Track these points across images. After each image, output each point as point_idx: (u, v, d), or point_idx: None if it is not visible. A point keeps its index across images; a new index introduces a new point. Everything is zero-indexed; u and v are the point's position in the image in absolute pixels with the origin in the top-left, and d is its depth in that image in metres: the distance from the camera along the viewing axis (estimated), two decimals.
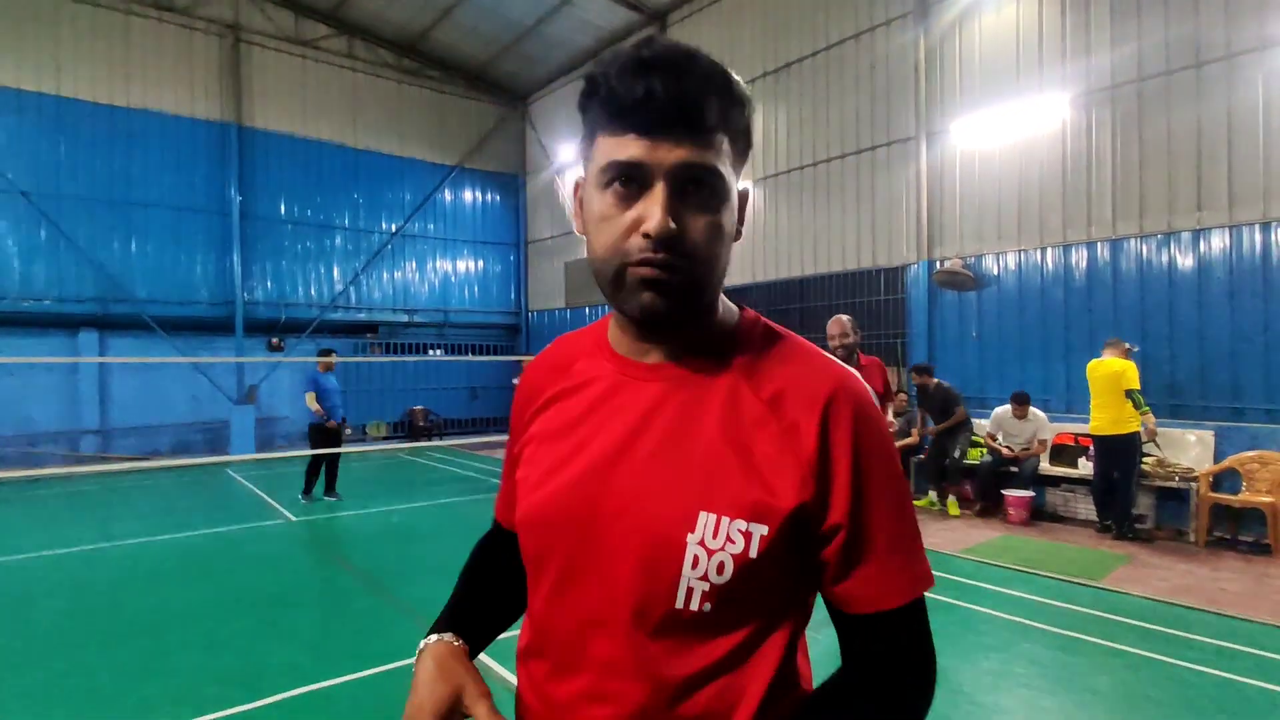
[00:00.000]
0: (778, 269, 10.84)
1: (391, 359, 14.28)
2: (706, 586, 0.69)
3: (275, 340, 13.59)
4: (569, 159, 15.31)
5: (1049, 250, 7.85)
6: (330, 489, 8.35)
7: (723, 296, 0.81)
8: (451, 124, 15.90)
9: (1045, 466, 7.18)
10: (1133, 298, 7.19)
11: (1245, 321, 6.48)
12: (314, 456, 8.21)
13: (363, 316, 14.71)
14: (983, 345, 8.41)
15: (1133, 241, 7.20)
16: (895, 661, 0.73)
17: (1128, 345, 6.36)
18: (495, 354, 16.61)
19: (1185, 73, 6.81)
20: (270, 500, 8.40)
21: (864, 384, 0.76)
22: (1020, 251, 8.09)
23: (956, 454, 7.44)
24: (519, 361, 12.35)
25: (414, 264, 15.46)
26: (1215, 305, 6.65)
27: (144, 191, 12.19)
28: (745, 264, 11.31)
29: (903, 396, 8.51)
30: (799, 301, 10.47)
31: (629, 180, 0.69)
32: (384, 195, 14.93)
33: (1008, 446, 7.23)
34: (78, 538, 6.55)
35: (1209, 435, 6.50)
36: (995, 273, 8.33)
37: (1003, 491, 7.03)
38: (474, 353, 16.24)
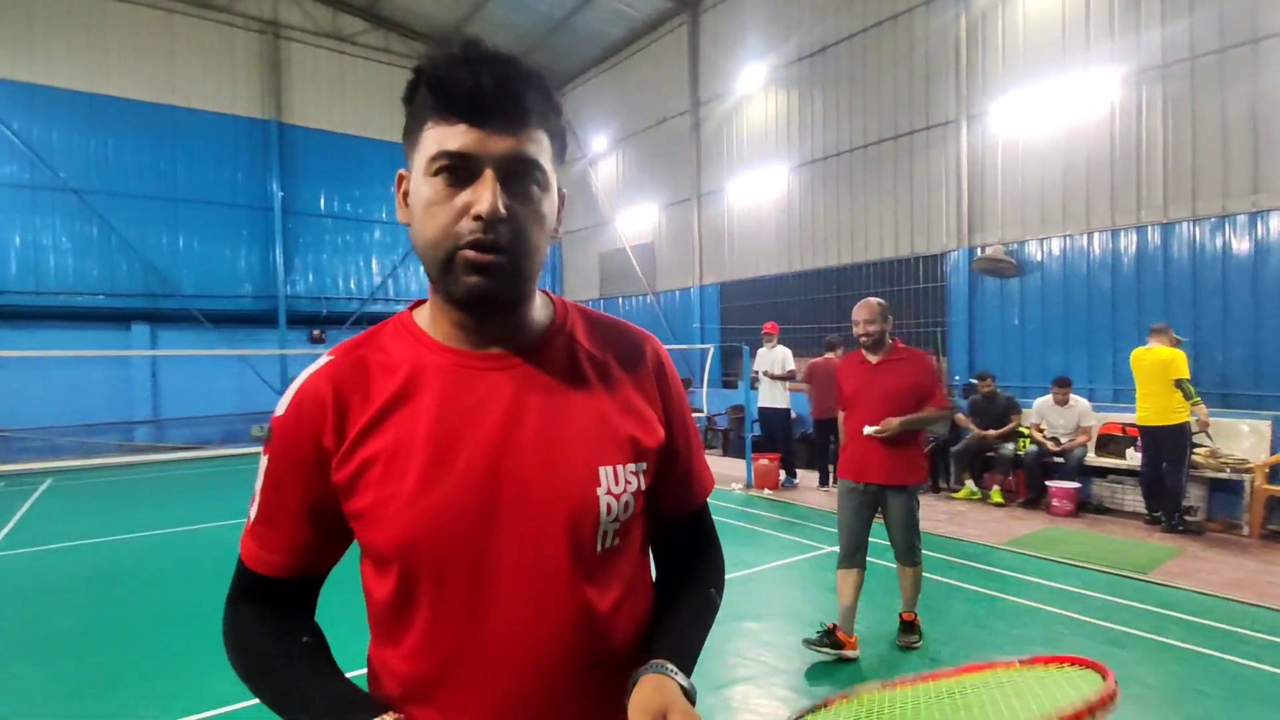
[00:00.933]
0: (814, 258, 10.73)
1: None
2: (617, 525, 0.80)
3: (317, 332, 13.91)
4: (601, 149, 15.32)
5: (1095, 235, 7.63)
6: None
7: (539, 292, 0.87)
8: None
9: (1092, 457, 7.02)
10: (1184, 283, 6.97)
11: None
12: None
13: (400, 308, 14.90)
14: (1025, 333, 8.24)
15: (1185, 225, 6.97)
16: (710, 540, 0.97)
17: (1174, 334, 6.13)
18: None
19: (1241, 49, 6.55)
20: None
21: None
22: (1065, 237, 7.89)
23: (1008, 448, 7.33)
24: None
25: None
26: (1272, 291, 6.42)
27: (189, 188, 12.56)
28: (781, 254, 11.22)
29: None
30: (835, 291, 10.36)
31: (458, 168, 0.73)
32: None
33: (1053, 439, 7.08)
34: (132, 524, 6.82)
35: (1264, 425, 6.28)
36: (1038, 259, 8.14)
37: (1047, 483, 6.89)
38: None
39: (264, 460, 0.83)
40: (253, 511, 0.83)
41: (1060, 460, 6.95)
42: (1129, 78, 7.30)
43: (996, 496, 7.29)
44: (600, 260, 15.79)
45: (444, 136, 0.73)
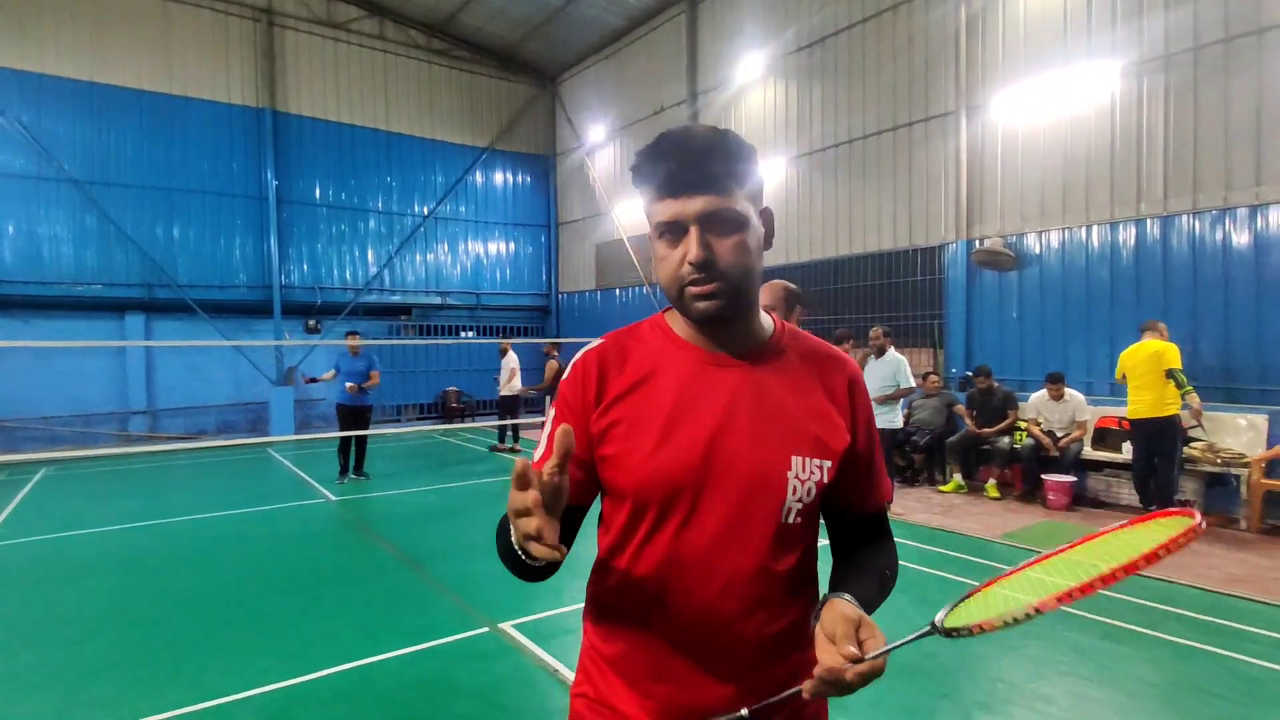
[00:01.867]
0: (811, 250, 10.68)
1: (424, 341, 14.44)
2: (800, 505, 1.02)
3: (312, 323, 13.84)
4: (599, 139, 15.21)
5: (1095, 228, 7.59)
6: (359, 469, 8.54)
7: (763, 312, 1.10)
8: (482, 105, 15.90)
9: (1088, 451, 7.01)
10: (1184, 277, 6.93)
11: None
12: (342, 438, 8.40)
13: (396, 299, 14.89)
14: (1023, 327, 8.21)
15: (1185, 218, 6.93)
16: (887, 535, 1.15)
17: (1165, 330, 6.12)
18: (526, 335, 16.72)
19: (1245, 39, 6.49)
20: (310, 480, 8.60)
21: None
22: (1064, 230, 7.84)
23: (1004, 441, 7.31)
24: (554, 344, 12.38)
25: (446, 246, 15.57)
26: (1273, 284, 6.38)
27: (184, 178, 12.45)
28: (779, 245, 11.16)
29: (934, 378, 8.36)
30: (833, 283, 10.32)
31: (673, 230, 0.98)
32: (416, 178, 15.03)
33: (1049, 433, 7.07)
34: (129, 514, 6.79)
35: (1262, 420, 6.27)
36: (1037, 252, 8.09)
37: (1043, 476, 6.88)
38: (505, 334, 16.36)
39: (551, 411, 1.10)
40: (539, 450, 1.05)
41: (1056, 454, 6.94)
42: (1130, 68, 7.23)
43: (992, 490, 7.28)
44: (597, 251, 15.71)
45: (657, 210, 0.98)
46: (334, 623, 4.07)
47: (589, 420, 1.04)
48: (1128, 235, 7.33)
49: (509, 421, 10.91)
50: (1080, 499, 6.91)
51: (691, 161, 0.94)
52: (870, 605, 0.96)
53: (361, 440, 8.60)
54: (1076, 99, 7.66)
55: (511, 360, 11.04)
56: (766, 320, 1.10)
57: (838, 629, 0.85)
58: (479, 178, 16.00)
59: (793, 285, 3.00)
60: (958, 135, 8.71)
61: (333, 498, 7.58)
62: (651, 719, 1.03)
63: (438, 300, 15.45)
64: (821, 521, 1.14)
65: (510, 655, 3.63)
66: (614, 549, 1.06)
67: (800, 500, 1.01)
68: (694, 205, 0.95)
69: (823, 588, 1.07)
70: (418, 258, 15.16)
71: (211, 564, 5.28)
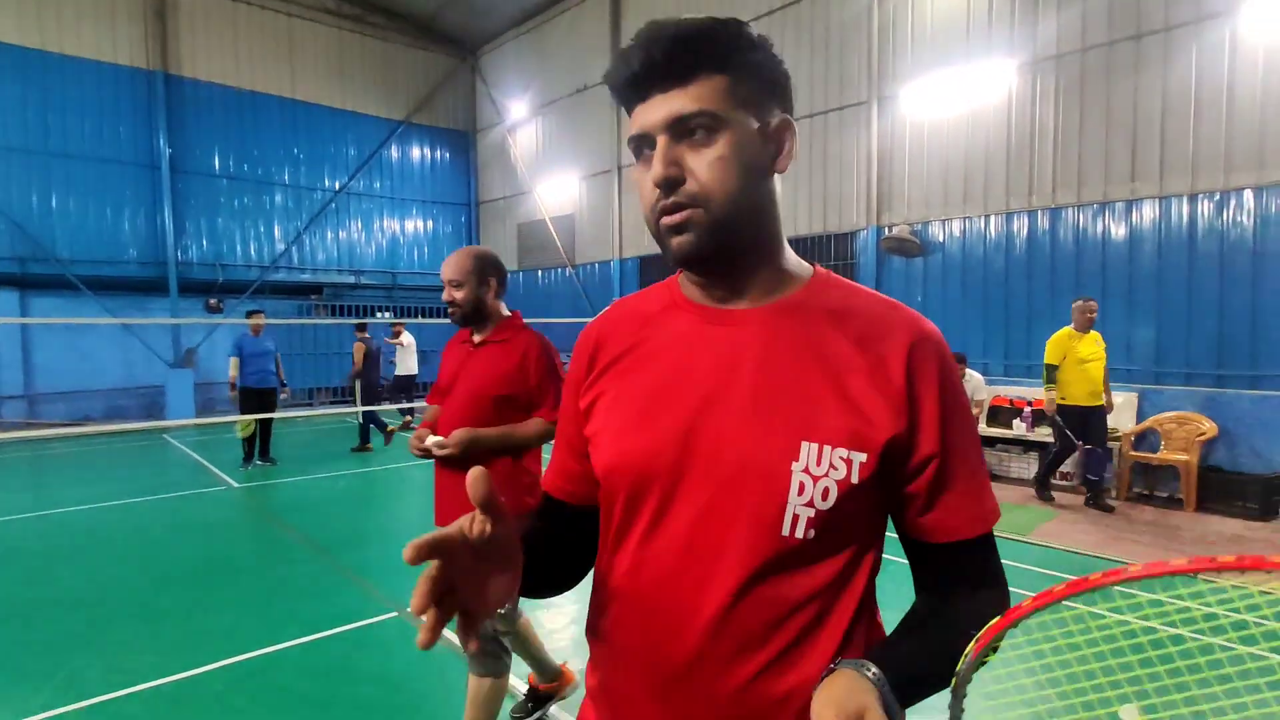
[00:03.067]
0: None
1: (337, 321, 13.89)
2: (811, 513, 0.73)
3: (213, 301, 13.07)
4: (521, 116, 14.92)
5: (993, 218, 8.03)
6: (265, 454, 8.18)
7: (793, 252, 0.86)
8: (397, 76, 15.30)
9: (983, 428, 7.46)
10: (1068, 267, 7.44)
11: (1170, 291, 6.78)
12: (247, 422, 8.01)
13: (306, 277, 14.24)
14: (927, 311, 8.62)
15: (1070, 211, 7.42)
16: (983, 583, 0.80)
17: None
18: (446, 317, 16.31)
19: (1125, 44, 6.97)
20: (211, 467, 8.17)
21: (935, 327, 0.83)
22: (965, 219, 8.26)
23: None
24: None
25: (360, 223, 14.97)
26: (1143, 275, 6.93)
27: (63, 142, 11.44)
28: None
29: None
30: None
31: (643, 147, 0.78)
32: (326, 150, 14.35)
33: None
34: (4, 507, 6.27)
35: (1133, 397, 6.84)
36: (941, 240, 8.50)
37: None
38: (424, 316, 15.93)
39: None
40: (555, 440, 0.95)
41: None
42: (1025, 67, 7.65)
43: None
44: (519, 231, 15.47)
45: (631, 123, 0.79)
46: (231, 614, 3.90)
47: (580, 395, 0.89)
48: (1021, 225, 7.80)
49: (401, 405, 10.67)
50: None
51: (659, 54, 0.73)
52: (913, 681, 0.70)
53: (267, 424, 8.23)
54: (978, 94, 8.04)
55: (409, 341, 11.05)
56: (800, 266, 0.86)
57: (820, 716, 0.62)
58: (395, 152, 15.42)
59: (489, 251, 2.47)
60: (870, 125, 9.01)
61: (236, 485, 7.23)
62: None
63: (351, 280, 14.87)
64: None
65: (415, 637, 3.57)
66: (599, 560, 0.88)
67: (810, 505, 0.73)
68: (658, 110, 0.75)
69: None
70: (329, 235, 14.52)
71: (98, 557, 4.95)
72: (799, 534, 0.74)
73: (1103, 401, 6.04)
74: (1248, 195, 6.36)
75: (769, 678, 0.75)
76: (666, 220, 0.76)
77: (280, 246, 13.79)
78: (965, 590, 0.80)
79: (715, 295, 0.83)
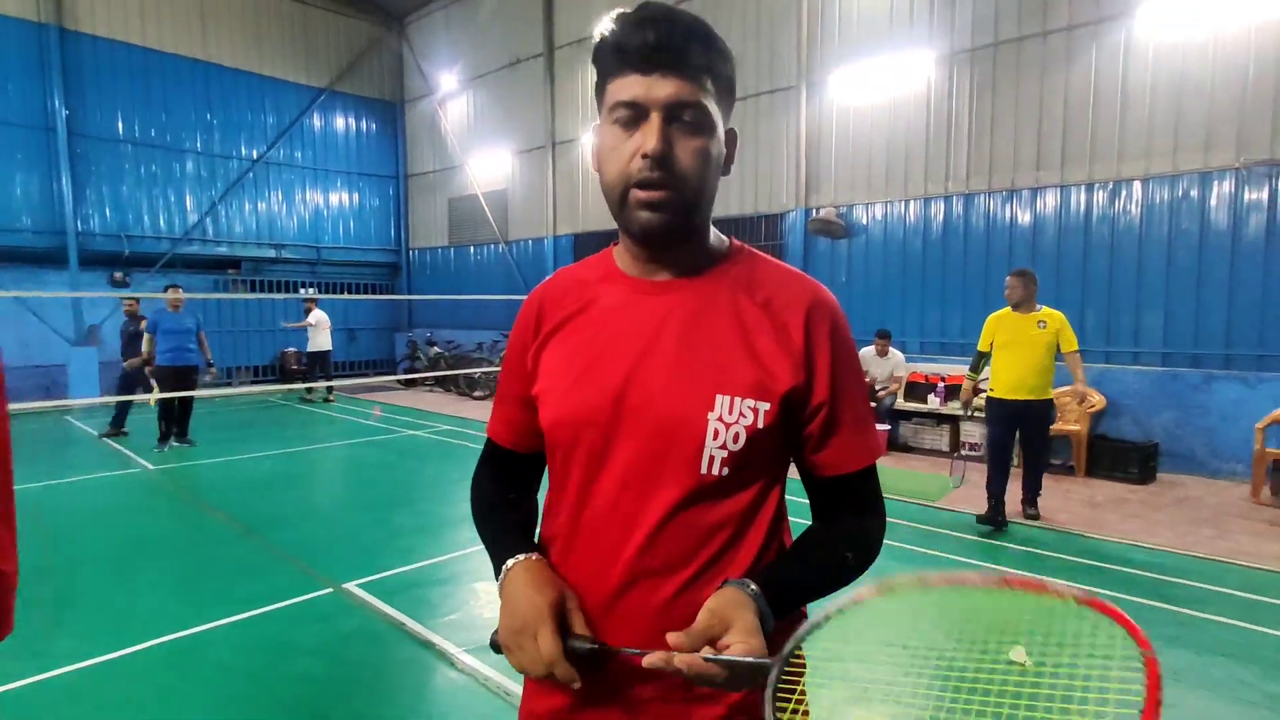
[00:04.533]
0: None
1: (256, 297, 13.32)
2: (725, 454, 0.86)
3: (119, 275, 12.30)
4: (452, 88, 14.54)
5: (911, 203, 8.42)
6: (182, 435, 7.87)
7: (714, 228, 0.96)
8: (319, 42, 14.63)
9: (901, 403, 7.89)
10: (979, 249, 7.90)
11: (1068, 273, 7.31)
12: (163, 401, 7.67)
13: (223, 251, 13.56)
14: (851, 291, 8.99)
15: (982, 197, 7.87)
16: (862, 509, 0.95)
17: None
18: (374, 293, 15.88)
19: (1033, 40, 7.39)
20: (123, 449, 7.79)
21: (829, 293, 0.95)
22: (887, 203, 8.63)
23: None
24: (407, 301, 11.90)
25: (280, 195, 14.33)
26: (1045, 257, 7.44)
27: None
28: None
29: None
30: None
31: (631, 114, 0.83)
32: (243, 117, 13.62)
33: (869, 385, 7.87)
34: None
35: None
36: (864, 222, 8.86)
37: None
38: (351, 292, 15.45)
39: (504, 354, 1.06)
40: (497, 394, 1.06)
41: (874, 405, 7.75)
42: (943, 59, 8.01)
43: None
44: (450, 206, 15.15)
45: (619, 88, 0.84)
46: (155, 596, 3.80)
47: (526, 359, 0.99)
48: (937, 210, 8.21)
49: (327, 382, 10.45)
50: (893, 444, 7.80)
51: (674, 39, 0.82)
52: (790, 588, 0.85)
53: (186, 404, 7.89)
54: (900, 83, 8.38)
55: (321, 318, 11.22)
56: (719, 241, 0.97)
57: (698, 620, 0.77)
58: (317, 121, 14.79)
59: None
60: (799, 109, 9.25)
61: (151, 467, 6.93)
62: (572, 696, 0.96)
63: (271, 253, 14.25)
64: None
65: (355, 613, 3.59)
66: (548, 497, 1.01)
67: (724, 447, 0.86)
68: (664, 88, 0.82)
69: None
70: (246, 206, 13.84)
71: None
72: (715, 471, 0.87)
73: (1038, 395, 4.92)
74: (1136, 185, 6.90)
75: (692, 590, 0.88)
76: (642, 194, 0.84)
77: (193, 218, 13.07)
78: (850, 515, 0.95)
79: (648, 269, 0.94)
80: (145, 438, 8.04)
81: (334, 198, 15.19)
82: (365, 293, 15.74)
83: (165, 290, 7.81)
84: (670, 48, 0.82)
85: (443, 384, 13.34)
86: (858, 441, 0.93)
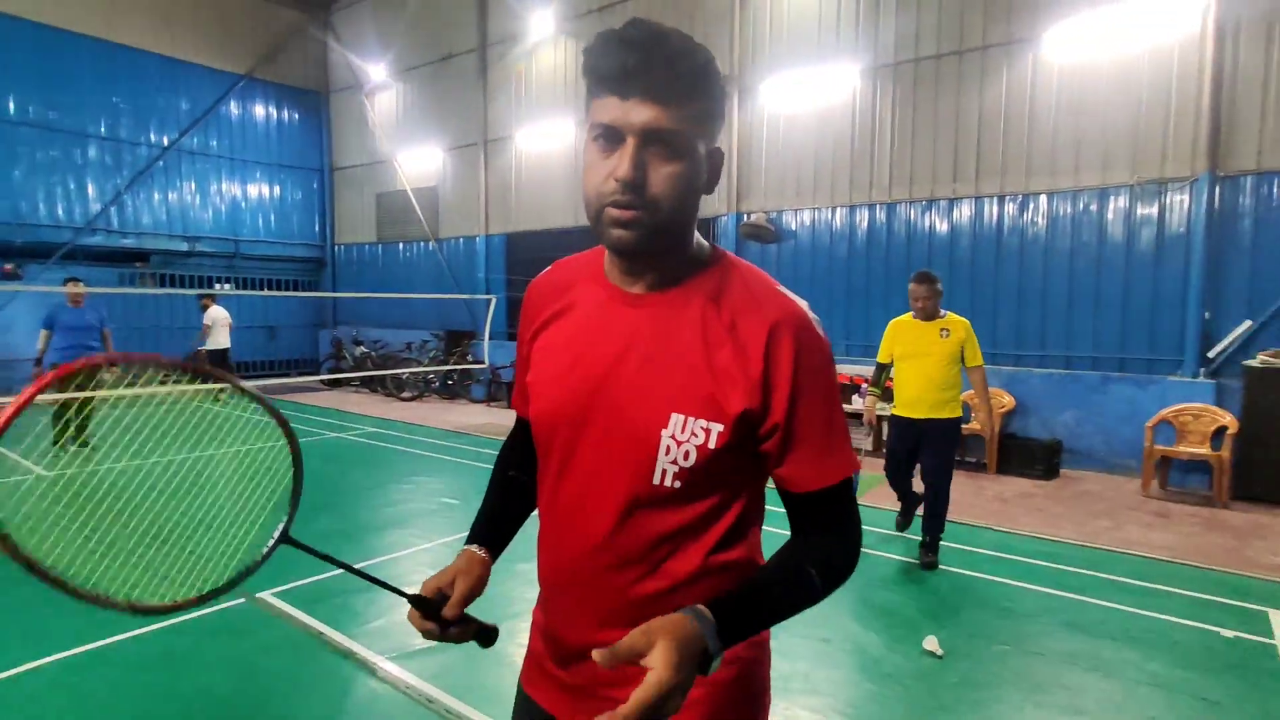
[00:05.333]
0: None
1: (167, 292, 12.60)
2: (676, 469, 0.91)
3: (10, 266, 11.42)
4: (380, 79, 14.13)
5: (837, 210, 8.70)
6: (80, 437, 7.38)
7: (698, 235, 0.98)
8: (237, 26, 13.97)
9: None
10: (900, 255, 8.23)
11: (981, 280, 7.70)
12: (60, 402, 7.17)
13: (130, 243, 12.78)
14: None
15: (903, 206, 8.20)
16: (830, 528, 0.96)
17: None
18: (298, 290, 15.27)
19: (950, 58, 7.76)
20: (9, 453, 7.22)
21: (807, 311, 0.96)
22: (815, 209, 8.88)
23: None
24: (332, 298, 11.51)
25: (194, 185, 13.62)
26: (961, 265, 7.82)
27: None
28: (570, 207, 11.32)
29: None
30: None
31: (609, 136, 0.86)
32: (153, 102, 12.87)
33: None
34: None
35: None
36: (794, 228, 9.09)
37: None
38: (272, 288, 14.82)
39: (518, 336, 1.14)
40: (516, 368, 1.13)
41: None
42: (868, 71, 8.31)
43: None
44: (378, 201, 14.72)
45: (599, 109, 0.86)
46: (41, 610, 3.55)
47: (524, 344, 1.09)
48: (862, 218, 8.51)
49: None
50: None
51: (653, 63, 0.82)
52: (744, 613, 0.85)
53: (85, 404, 7.38)
54: (827, 94, 8.64)
55: (219, 315, 10.79)
56: (700, 251, 0.98)
57: (629, 636, 0.76)
58: (235, 109, 14.12)
59: None
60: (730, 114, 9.41)
61: (46, 473, 6.46)
62: (544, 659, 1.09)
63: (184, 246, 13.52)
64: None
65: (271, 624, 3.44)
66: (538, 473, 1.08)
67: (676, 463, 0.90)
68: (640, 115, 0.83)
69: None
70: (156, 196, 13.08)
71: None
72: (667, 483, 0.92)
73: (940, 413, 4.32)
74: (1043, 199, 7.33)
75: (640, 584, 0.95)
76: (615, 212, 0.86)
77: (96, 207, 12.26)
78: (815, 533, 0.96)
79: (625, 278, 0.97)
80: (39, 441, 7.48)
81: (253, 189, 14.53)
82: (287, 289, 15.12)
83: (65, 284, 7.29)
84: (650, 73, 0.82)
85: (369, 385, 12.95)
86: (821, 460, 0.93)
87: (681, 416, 0.89)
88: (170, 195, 13.27)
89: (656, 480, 0.91)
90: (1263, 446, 5.95)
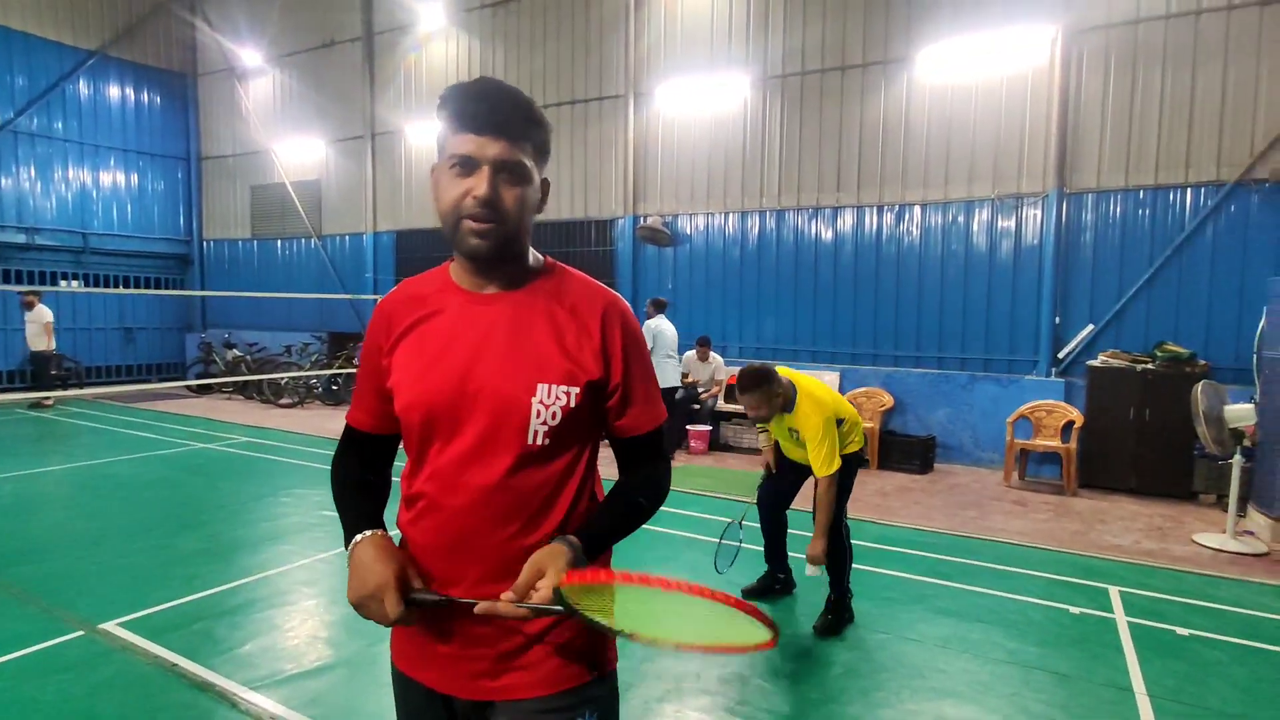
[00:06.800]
0: None
1: (1, 288, 11.23)
2: (545, 428, 1.11)
3: None
4: (255, 64, 13.21)
5: (730, 215, 8.91)
6: None
7: (532, 249, 1.20)
8: None
9: (721, 404, 8.30)
10: (789, 260, 8.54)
11: (863, 285, 8.10)
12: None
13: None
14: (676, 297, 9.33)
15: (791, 213, 8.51)
16: (652, 460, 1.25)
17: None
18: (159, 288, 13.99)
19: (833, 73, 8.13)
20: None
21: (622, 299, 1.22)
22: (709, 214, 9.06)
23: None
24: (200, 297, 10.60)
25: (34, 170, 12.21)
26: (844, 271, 8.20)
27: None
28: None
29: None
30: None
31: (465, 165, 1.07)
32: None
33: (692, 387, 8.20)
34: None
35: (835, 376, 8.08)
36: (688, 232, 9.23)
37: (687, 426, 7.98)
38: (129, 286, 13.51)
39: (360, 354, 1.27)
40: (356, 388, 1.27)
41: (697, 407, 8.09)
42: (758, 82, 8.58)
43: None
44: (253, 194, 13.75)
45: (458, 143, 1.06)
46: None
47: (380, 358, 1.20)
48: (753, 223, 8.76)
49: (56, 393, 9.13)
50: (715, 444, 8.17)
51: (503, 109, 1.07)
52: (600, 535, 1.12)
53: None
54: (720, 101, 8.84)
55: (43, 315, 10.38)
56: (535, 259, 1.21)
57: (523, 572, 1.00)
58: (85, 88, 12.79)
59: None
60: (627, 117, 9.45)
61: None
62: (421, 636, 1.19)
63: (21, 238, 12.09)
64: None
65: (113, 658, 3.09)
66: (406, 467, 1.21)
67: (545, 424, 1.10)
68: (493, 149, 1.05)
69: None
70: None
71: None
72: (538, 442, 1.11)
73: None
74: (917, 209, 7.82)
75: (519, 537, 1.12)
76: (473, 224, 1.07)
77: None
78: (646, 465, 1.25)
79: (478, 283, 1.17)
80: None
81: (106, 177, 13.20)
82: (147, 287, 13.83)
83: None
84: (499, 115, 1.06)
85: (243, 390, 12.05)
86: (648, 409, 1.23)
87: (546, 385, 1.10)
88: (4, 180, 11.83)
89: (530, 440, 1.10)
90: (1104, 439, 6.59)
